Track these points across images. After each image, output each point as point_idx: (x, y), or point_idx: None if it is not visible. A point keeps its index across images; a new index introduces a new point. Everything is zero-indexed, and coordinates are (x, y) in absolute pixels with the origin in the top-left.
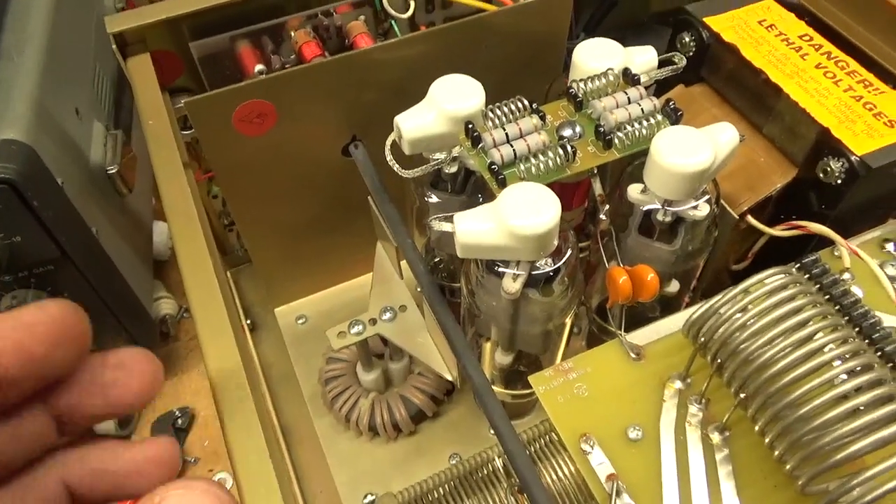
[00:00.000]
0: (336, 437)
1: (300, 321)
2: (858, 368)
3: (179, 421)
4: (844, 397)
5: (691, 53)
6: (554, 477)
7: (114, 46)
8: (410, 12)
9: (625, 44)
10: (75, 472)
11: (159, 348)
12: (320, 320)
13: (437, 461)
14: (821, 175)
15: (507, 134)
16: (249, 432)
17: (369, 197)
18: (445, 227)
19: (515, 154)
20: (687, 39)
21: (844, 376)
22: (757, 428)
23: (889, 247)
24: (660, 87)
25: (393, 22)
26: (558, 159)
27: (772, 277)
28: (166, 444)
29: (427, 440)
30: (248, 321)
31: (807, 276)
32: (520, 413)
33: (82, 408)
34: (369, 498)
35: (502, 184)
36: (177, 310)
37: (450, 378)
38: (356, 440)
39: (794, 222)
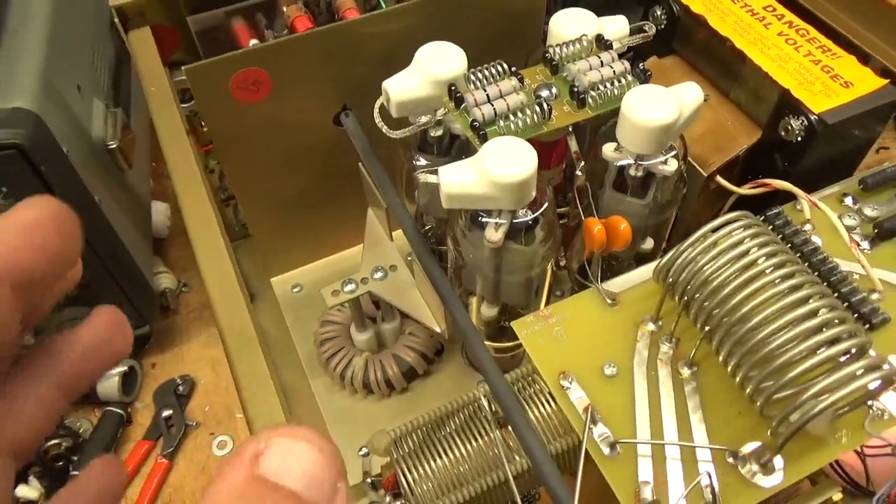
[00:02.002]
0: (332, 396)
1: (295, 289)
2: (812, 298)
3: (181, 388)
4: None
5: (663, 26)
6: (536, 414)
7: (116, 20)
8: None
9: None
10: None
11: (160, 321)
12: (315, 288)
13: None
14: (783, 133)
15: (487, 94)
16: (260, 381)
17: (360, 163)
18: (431, 178)
19: (496, 112)
20: (659, 13)
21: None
22: (720, 358)
23: (847, 200)
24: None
25: None
26: (535, 117)
27: (733, 222)
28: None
29: (419, 397)
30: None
31: (770, 227)
32: (505, 369)
33: (86, 374)
34: (364, 451)
35: (483, 139)
36: (176, 284)
37: (439, 330)
38: (351, 398)
39: (760, 180)
